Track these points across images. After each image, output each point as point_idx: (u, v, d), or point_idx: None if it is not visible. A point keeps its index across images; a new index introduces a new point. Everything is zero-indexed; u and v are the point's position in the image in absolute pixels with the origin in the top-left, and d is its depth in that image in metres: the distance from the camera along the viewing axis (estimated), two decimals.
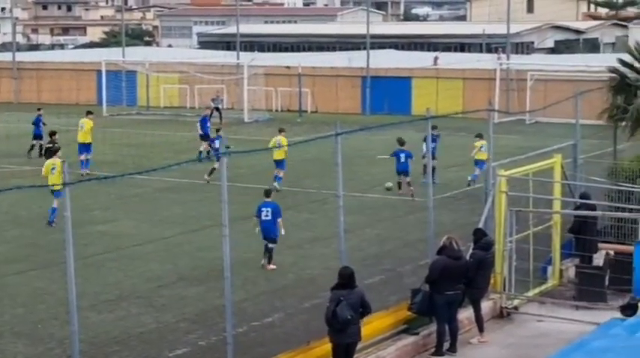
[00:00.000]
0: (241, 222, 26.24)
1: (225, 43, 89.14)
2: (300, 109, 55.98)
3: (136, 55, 67.26)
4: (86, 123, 36.52)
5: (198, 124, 39.62)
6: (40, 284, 20.81)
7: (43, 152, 36.62)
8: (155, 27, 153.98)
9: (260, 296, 20.14)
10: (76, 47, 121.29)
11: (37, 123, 41.05)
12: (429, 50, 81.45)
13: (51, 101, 60.88)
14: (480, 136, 32.63)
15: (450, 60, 63.53)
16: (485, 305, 18.45)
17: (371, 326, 16.56)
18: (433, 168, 25.90)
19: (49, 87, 63.80)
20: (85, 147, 35.63)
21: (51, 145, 31.92)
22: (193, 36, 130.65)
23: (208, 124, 39.53)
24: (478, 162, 31.80)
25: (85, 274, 21.66)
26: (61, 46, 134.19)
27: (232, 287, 19.38)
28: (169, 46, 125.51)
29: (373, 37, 66.08)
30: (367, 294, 18.07)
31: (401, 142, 31.61)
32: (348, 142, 35.12)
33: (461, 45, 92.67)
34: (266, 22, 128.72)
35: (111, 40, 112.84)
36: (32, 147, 40.24)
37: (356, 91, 58.68)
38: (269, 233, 22.60)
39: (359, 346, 16.08)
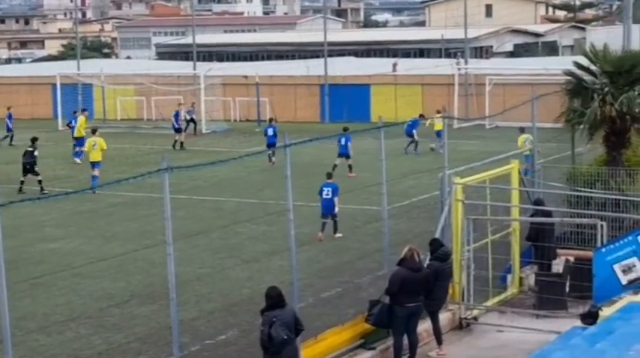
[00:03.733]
0: (197, 237, 25.88)
1: (184, 54, 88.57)
2: (259, 119, 55.49)
3: (92, 67, 66.51)
4: (81, 119, 43.60)
5: (173, 118, 46.70)
6: None
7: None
8: (114, 39, 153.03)
9: (214, 313, 19.63)
10: (34, 61, 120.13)
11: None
12: (388, 56, 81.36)
13: (4, 116, 60.07)
14: (522, 130, 33.75)
15: (409, 66, 63.31)
16: (444, 317, 18.07)
17: (326, 342, 16.15)
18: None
19: (3, 102, 62.90)
20: (78, 141, 41.83)
21: (32, 149, 34.82)
22: (152, 47, 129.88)
23: (180, 118, 46.83)
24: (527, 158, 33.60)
25: (34, 294, 21.18)
26: (19, 60, 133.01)
27: (184, 306, 19.02)
28: (128, 57, 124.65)
29: (332, 44, 65.76)
30: (321, 308, 17.72)
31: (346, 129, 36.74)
32: (306, 150, 35.09)
33: (420, 50, 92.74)
34: (226, 32, 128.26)
35: (69, 53, 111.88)
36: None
37: (314, 100, 58.30)
38: (329, 210, 25.92)
39: None
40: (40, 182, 33.67)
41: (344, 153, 36.50)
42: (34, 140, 35.35)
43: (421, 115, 44.35)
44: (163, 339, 17.70)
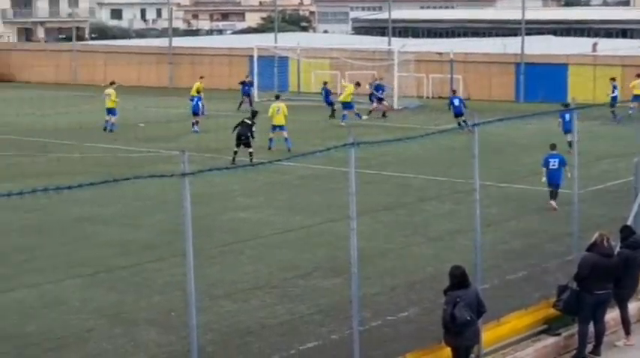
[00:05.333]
0: (383, 212, 25.90)
1: (380, 29, 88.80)
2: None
3: (289, 40, 67.48)
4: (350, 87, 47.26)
5: (374, 91, 50.13)
6: (179, 272, 20.64)
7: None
8: (312, 13, 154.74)
9: (397, 289, 19.61)
10: (234, 33, 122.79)
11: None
12: (589, 36, 79.25)
13: (205, 86, 61.62)
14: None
15: (610, 46, 61.47)
16: (634, 306, 17.49)
17: (509, 325, 15.91)
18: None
19: (203, 72, 64.43)
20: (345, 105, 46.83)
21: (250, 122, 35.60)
22: (349, 21, 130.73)
23: (381, 91, 50.38)
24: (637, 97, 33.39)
25: (223, 261, 21.67)
26: (220, 32, 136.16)
27: (367, 280, 19.06)
28: (325, 31, 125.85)
29: (530, 22, 64.64)
30: (506, 290, 17.41)
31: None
32: (499, 130, 34.62)
33: (623, 31, 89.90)
34: (422, 8, 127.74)
35: (268, 26, 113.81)
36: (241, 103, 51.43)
37: (510, 78, 57.38)
38: (556, 179, 26.83)
39: (495, 346, 15.50)
40: (250, 154, 34.15)
41: (569, 129, 35.65)
42: (254, 114, 36.11)
43: (613, 78, 47.53)
44: (345, 313, 17.73)
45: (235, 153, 34.23)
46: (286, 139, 37.09)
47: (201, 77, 51.81)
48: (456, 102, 43.07)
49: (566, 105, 37.32)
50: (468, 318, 13.77)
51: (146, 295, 19.22)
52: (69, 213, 26.32)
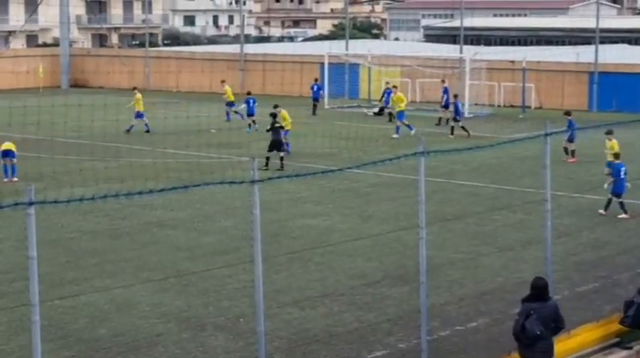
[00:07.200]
0: (452, 221, 25.74)
1: (451, 37, 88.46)
2: (524, 105, 54.61)
3: (360, 48, 67.49)
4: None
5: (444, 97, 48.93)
6: (247, 278, 20.72)
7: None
8: (383, 20, 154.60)
9: (466, 299, 19.43)
10: (305, 40, 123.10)
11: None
12: None
13: (275, 93, 61.95)
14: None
15: None
16: None
17: (579, 338, 15.68)
18: None
19: (274, 79, 64.85)
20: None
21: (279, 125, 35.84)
22: (421, 29, 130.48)
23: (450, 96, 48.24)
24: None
25: (291, 268, 21.69)
26: (291, 39, 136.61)
27: (436, 290, 18.99)
28: (396, 39, 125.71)
29: (605, 31, 63.90)
30: (576, 302, 17.19)
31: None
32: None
33: None
34: (495, 16, 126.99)
35: (339, 33, 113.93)
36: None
37: (583, 87, 56.76)
38: (622, 188, 26.72)
39: None
40: (282, 159, 34.56)
41: (574, 138, 36.56)
42: (274, 115, 36.24)
43: None
44: (413, 322, 17.66)
45: (268, 159, 34.37)
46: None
47: (223, 81, 53.39)
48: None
49: (569, 113, 36.84)
50: (538, 333, 13.51)
51: (214, 300, 19.29)
52: (140, 217, 26.60)
